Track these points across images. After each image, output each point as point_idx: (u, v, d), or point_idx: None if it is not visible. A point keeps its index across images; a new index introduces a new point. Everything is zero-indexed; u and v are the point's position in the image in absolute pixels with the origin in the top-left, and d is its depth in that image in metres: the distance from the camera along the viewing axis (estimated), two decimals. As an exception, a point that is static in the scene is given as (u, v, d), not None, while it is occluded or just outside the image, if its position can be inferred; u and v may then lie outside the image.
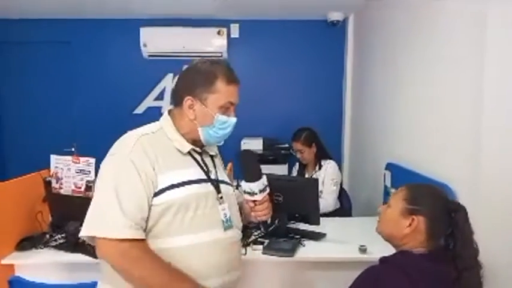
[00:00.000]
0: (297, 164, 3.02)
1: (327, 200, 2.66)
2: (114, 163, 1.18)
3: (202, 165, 1.29)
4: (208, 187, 1.26)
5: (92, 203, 1.15)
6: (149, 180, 1.14)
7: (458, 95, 1.76)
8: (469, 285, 1.12)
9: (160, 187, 1.16)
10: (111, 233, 1.08)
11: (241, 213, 1.40)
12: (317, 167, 2.80)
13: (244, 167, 1.31)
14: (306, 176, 2.84)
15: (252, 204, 1.33)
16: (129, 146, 1.18)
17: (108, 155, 1.20)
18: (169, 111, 1.32)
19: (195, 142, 1.29)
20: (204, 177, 1.26)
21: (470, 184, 1.56)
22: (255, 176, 1.30)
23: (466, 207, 1.19)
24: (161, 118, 1.32)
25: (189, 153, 1.27)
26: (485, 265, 1.15)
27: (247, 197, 1.32)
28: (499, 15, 1.36)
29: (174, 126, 1.28)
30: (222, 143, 1.35)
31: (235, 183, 1.54)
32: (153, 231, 1.16)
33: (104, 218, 1.10)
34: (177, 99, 1.28)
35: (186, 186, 1.19)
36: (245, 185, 1.30)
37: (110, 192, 1.11)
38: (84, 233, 1.11)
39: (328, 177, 2.72)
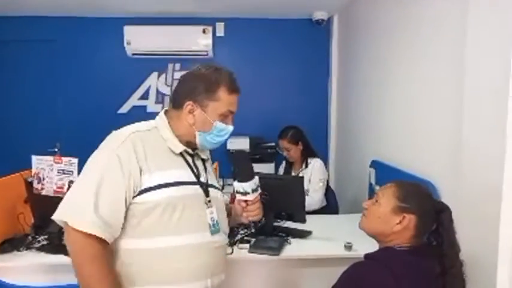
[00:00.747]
0: (284, 162, 3.03)
1: (313, 197, 2.67)
2: (101, 156, 1.18)
3: (193, 167, 1.28)
4: (197, 190, 1.25)
5: (71, 188, 1.16)
6: (131, 180, 1.13)
7: (440, 94, 1.79)
8: (453, 282, 1.14)
9: (146, 186, 1.15)
10: (79, 224, 1.09)
11: (229, 214, 1.40)
12: (303, 165, 2.82)
13: (237, 167, 1.31)
14: (293, 174, 2.85)
15: (244, 204, 1.32)
16: (118, 141, 1.18)
17: (98, 148, 1.20)
18: (166, 111, 1.32)
19: (189, 144, 1.29)
20: (194, 179, 1.26)
21: (451, 181, 1.59)
22: (247, 176, 1.29)
23: (447, 203, 1.22)
24: (157, 117, 1.31)
25: (181, 154, 1.26)
26: (466, 261, 1.18)
27: (239, 196, 1.31)
28: (480, 15, 1.38)
29: (169, 126, 1.27)
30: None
31: (221, 183, 1.55)
32: (138, 230, 1.15)
33: (76, 208, 1.11)
34: (176, 102, 1.27)
35: (174, 187, 1.18)
36: (237, 185, 1.30)
37: (90, 184, 1.12)
38: (57, 216, 1.12)
39: (314, 175, 2.74)
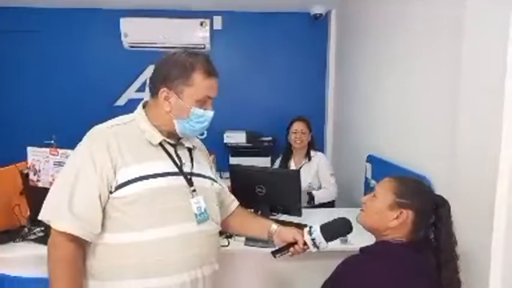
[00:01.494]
0: (281, 156, 3.02)
1: (330, 190, 2.73)
2: (76, 154, 1.18)
3: (175, 157, 1.26)
4: (180, 180, 1.23)
5: (51, 188, 1.17)
6: (104, 177, 1.13)
7: (437, 89, 1.80)
8: (449, 276, 1.15)
9: (124, 180, 1.14)
10: (55, 223, 1.11)
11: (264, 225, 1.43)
12: (306, 158, 2.83)
13: (336, 227, 1.30)
14: (293, 166, 2.85)
15: (301, 247, 1.31)
16: (93, 137, 1.19)
17: (78, 144, 1.21)
18: (145, 103, 1.31)
19: (171, 134, 1.27)
20: (175, 170, 1.23)
21: (447, 176, 1.60)
22: (331, 238, 1.29)
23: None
24: (136, 110, 1.30)
25: (161, 145, 1.24)
26: (460, 254, 1.19)
27: (308, 242, 1.29)
28: (477, 10, 1.39)
29: (146, 117, 1.25)
30: (205, 135, 1.35)
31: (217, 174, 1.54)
32: (121, 224, 1.15)
33: (53, 206, 1.13)
34: (152, 90, 1.25)
35: (153, 179, 1.17)
36: (319, 236, 1.28)
37: (65, 183, 1.13)
38: (41, 216, 1.15)
39: (324, 171, 2.77)
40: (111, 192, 1.14)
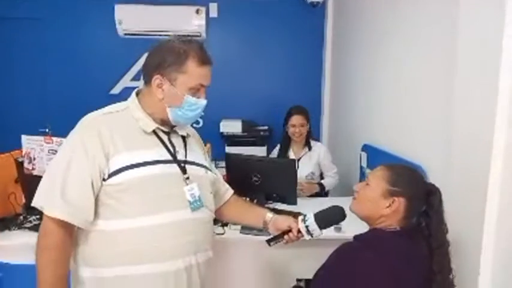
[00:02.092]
0: (278, 145, 2.99)
1: (334, 177, 2.78)
2: (69, 141, 1.19)
3: (168, 145, 1.26)
4: (174, 167, 1.24)
5: (44, 175, 1.17)
6: (96, 164, 1.13)
7: (432, 79, 1.80)
8: (440, 262, 1.17)
9: (117, 167, 1.15)
10: (48, 210, 1.11)
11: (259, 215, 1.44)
12: (306, 148, 2.83)
13: (329, 216, 1.32)
14: (293, 156, 2.83)
15: (295, 235, 1.32)
16: (85, 125, 1.19)
17: (70, 132, 1.21)
18: (138, 91, 1.30)
19: (164, 122, 1.27)
20: (169, 157, 1.24)
21: (441, 165, 1.62)
22: (325, 226, 1.31)
23: (438, 186, 1.24)
24: (129, 97, 1.30)
25: (155, 133, 1.24)
26: (452, 242, 1.21)
27: (302, 229, 1.31)
28: (473, 3, 1.38)
29: (139, 105, 1.25)
30: (201, 124, 1.35)
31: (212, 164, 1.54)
32: (115, 212, 1.15)
33: (47, 193, 1.13)
34: (145, 77, 1.25)
35: (146, 167, 1.17)
36: (313, 224, 1.30)
37: (58, 170, 1.13)
38: (34, 203, 1.15)
39: (326, 160, 2.81)
40: (104, 180, 1.15)
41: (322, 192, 2.72)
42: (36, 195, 1.15)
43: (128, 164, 1.16)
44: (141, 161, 1.17)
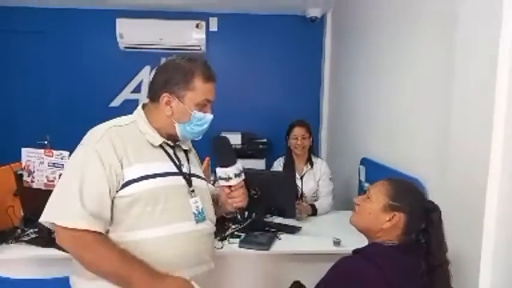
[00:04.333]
0: (282, 159, 2.84)
1: (327, 199, 2.62)
2: (81, 153, 1.19)
3: (174, 158, 1.30)
4: (180, 180, 1.27)
5: (55, 189, 1.16)
6: (113, 173, 1.14)
7: (430, 93, 1.82)
8: (440, 280, 1.16)
9: (128, 179, 1.16)
10: (68, 222, 1.09)
11: (217, 203, 1.42)
12: (308, 164, 2.73)
13: (219, 152, 1.32)
14: (297, 174, 2.71)
15: (227, 191, 1.34)
16: (97, 137, 1.19)
17: (78, 146, 1.21)
18: (144, 105, 1.33)
19: (170, 136, 1.30)
20: (175, 170, 1.27)
21: (438, 179, 1.62)
22: (230, 161, 1.31)
23: (435, 201, 1.24)
24: (135, 111, 1.32)
25: (161, 146, 1.27)
26: (450, 258, 1.20)
27: (222, 182, 1.32)
28: (470, 10, 1.40)
29: (146, 119, 1.28)
30: (200, 137, 1.36)
31: (212, 178, 1.55)
32: (123, 223, 1.17)
33: (63, 206, 1.12)
34: (153, 95, 1.28)
35: (156, 179, 1.20)
36: (220, 171, 1.31)
37: (73, 181, 1.12)
38: (44, 218, 1.13)
39: (325, 176, 2.70)
40: (116, 191, 1.16)
41: (315, 214, 2.51)
42: (46, 211, 1.13)
43: (142, 174, 1.18)
44: (151, 172, 1.20)
